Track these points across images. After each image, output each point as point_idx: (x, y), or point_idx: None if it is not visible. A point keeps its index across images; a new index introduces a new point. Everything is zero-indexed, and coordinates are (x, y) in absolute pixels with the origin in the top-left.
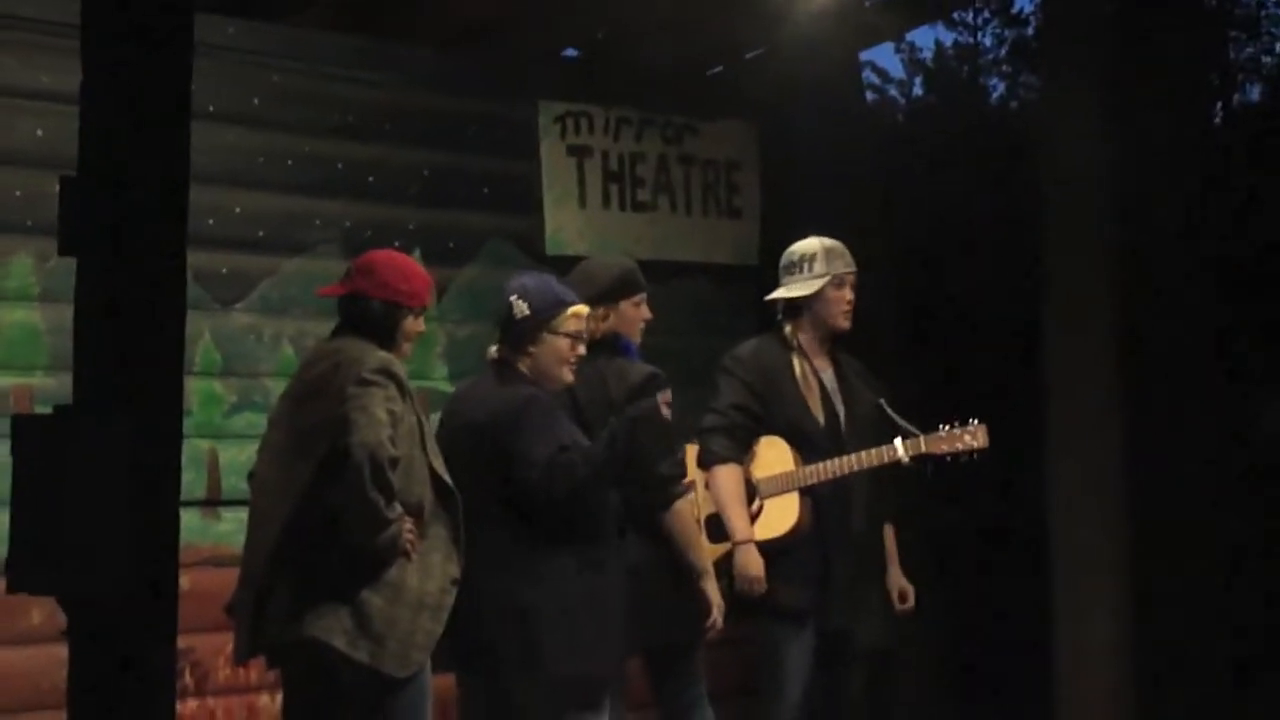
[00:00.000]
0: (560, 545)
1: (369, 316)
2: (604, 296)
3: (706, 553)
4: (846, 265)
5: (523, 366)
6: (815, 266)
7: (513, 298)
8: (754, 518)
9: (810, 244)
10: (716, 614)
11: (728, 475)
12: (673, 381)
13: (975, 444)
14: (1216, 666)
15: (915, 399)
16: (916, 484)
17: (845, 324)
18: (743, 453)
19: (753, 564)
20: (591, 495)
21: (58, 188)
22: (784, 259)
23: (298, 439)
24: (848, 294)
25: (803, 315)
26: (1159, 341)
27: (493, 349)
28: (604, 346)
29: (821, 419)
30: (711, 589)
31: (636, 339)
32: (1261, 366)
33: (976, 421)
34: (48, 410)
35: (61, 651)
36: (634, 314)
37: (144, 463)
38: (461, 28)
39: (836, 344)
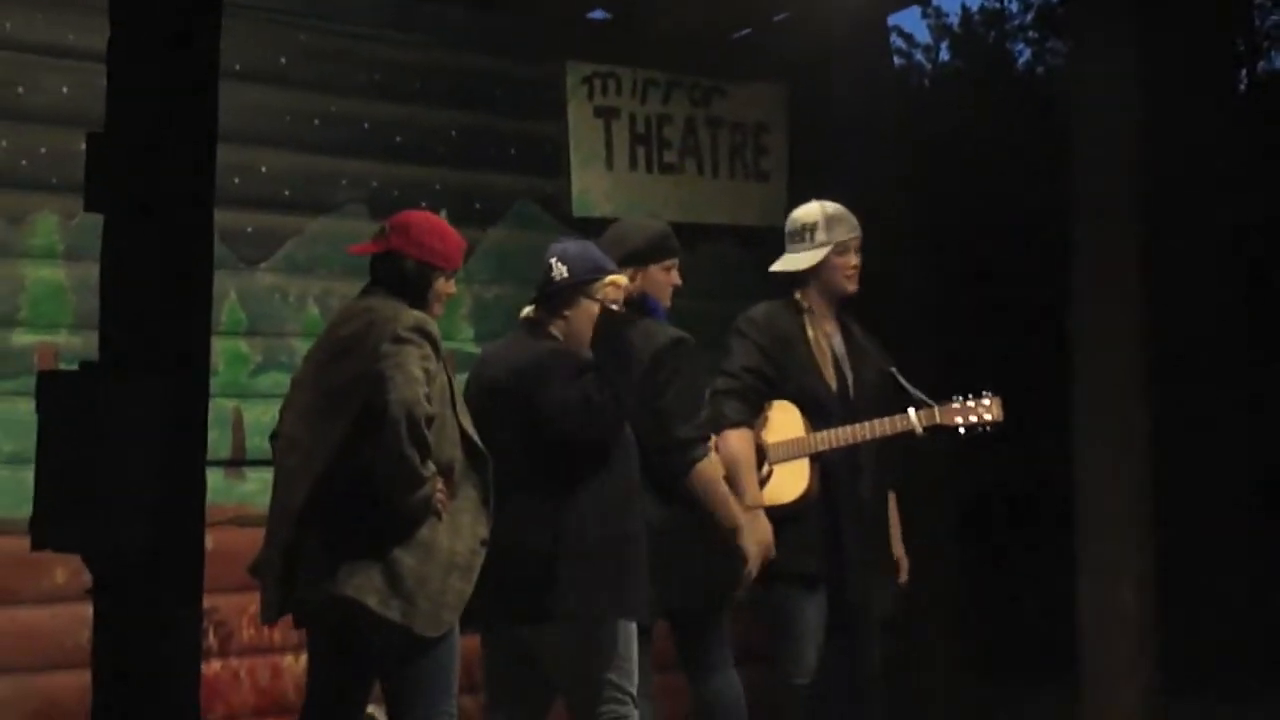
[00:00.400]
0: (586, 497)
1: (403, 275)
2: (634, 258)
3: (737, 509)
4: (850, 230)
5: (555, 329)
6: (817, 235)
7: (553, 260)
8: (763, 483)
9: (811, 211)
10: (753, 565)
11: (739, 439)
12: (698, 344)
13: (989, 417)
14: (1241, 637)
15: (940, 363)
16: (942, 454)
17: (852, 288)
18: (754, 416)
19: (762, 529)
20: (617, 445)
21: (84, 145)
22: (788, 225)
23: (328, 398)
24: (852, 259)
25: (809, 282)
26: (1187, 308)
27: (527, 309)
28: (631, 307)
29: (833, 385)
30: (748, 542)
31: (665, 302)
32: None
33: (991, 394)
34: (73, 368)
35: (85, 610)
36: (664, 278)
37: (170, 421)
38: None
39: (844, 308)
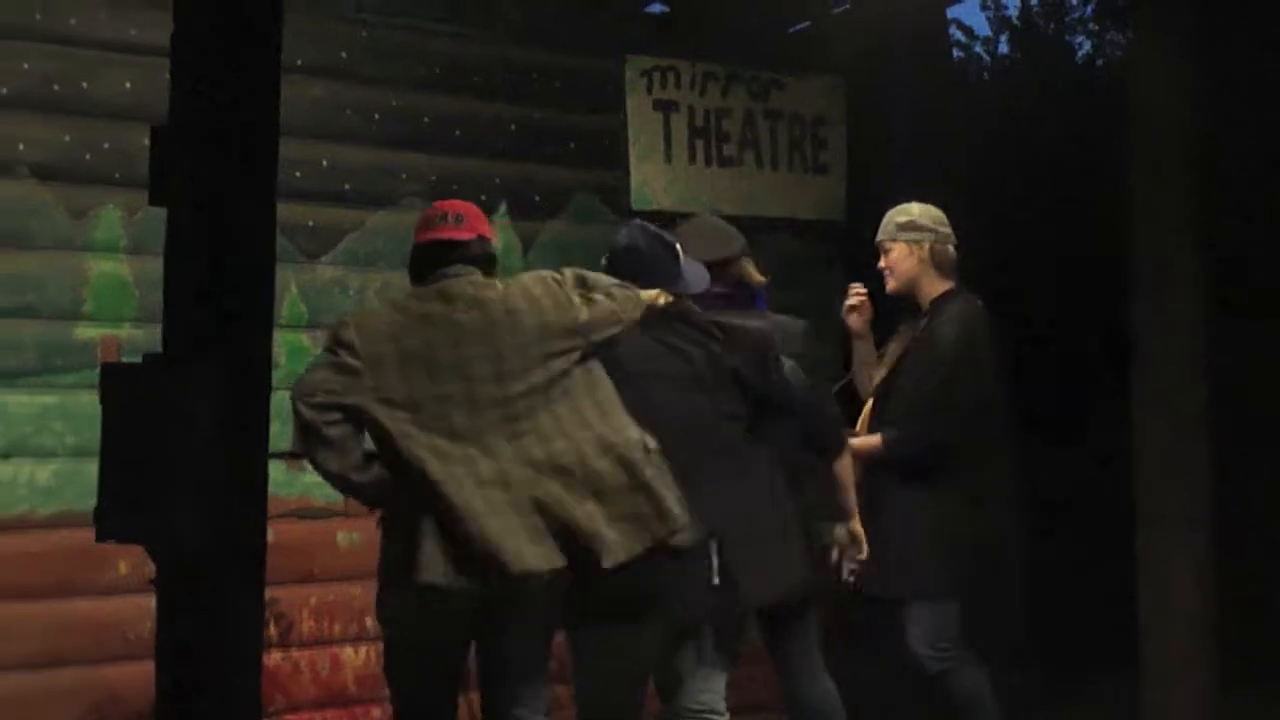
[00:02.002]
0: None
1: (492, 258)
2: (741, 250)
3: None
4: (879, 234)
5: None
6: None
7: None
8: None
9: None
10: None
11: None
12: None
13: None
14: None
15: (1000, 358)
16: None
17: (888, 289)
18: None
19: None
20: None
21: (147, 140)
22: None
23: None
24: (881, 260)
25: None
26: (1247, 302)
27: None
28: (737, 299)
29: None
30: (859, 529)
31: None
32: None
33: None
34: (136, 360)
35: (148, 602)
36: (752, 270)
37: (232, 413)
38: None
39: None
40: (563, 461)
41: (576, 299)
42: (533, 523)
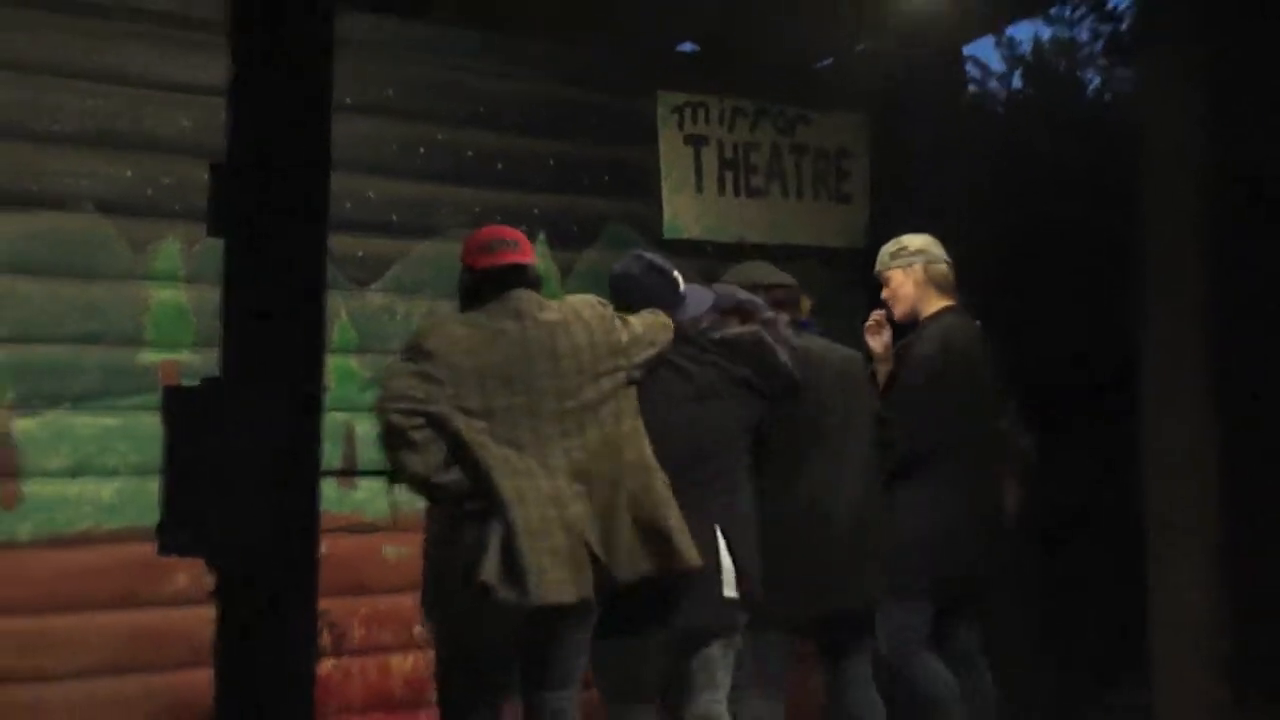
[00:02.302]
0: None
1: (541, 280)
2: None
3: None
4: (876, 267)
5: None
6: None
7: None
8: None
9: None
10: None
11: None
12: None
13: None
14: None
15: (1012, 380)
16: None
17: (895, 316)
18: None
19: None
20: None
21: (206, 175)
22: None
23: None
24: (883, 293)
25: None
26: (1251, 325)
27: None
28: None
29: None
30: None
31: None
32: None
33: None
34: (195, 383)
35: (207, 612)
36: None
37: (286, 433)
38: (590, 22)
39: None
40: (606, 480)
41: (619, 323)
42: (572, 545)
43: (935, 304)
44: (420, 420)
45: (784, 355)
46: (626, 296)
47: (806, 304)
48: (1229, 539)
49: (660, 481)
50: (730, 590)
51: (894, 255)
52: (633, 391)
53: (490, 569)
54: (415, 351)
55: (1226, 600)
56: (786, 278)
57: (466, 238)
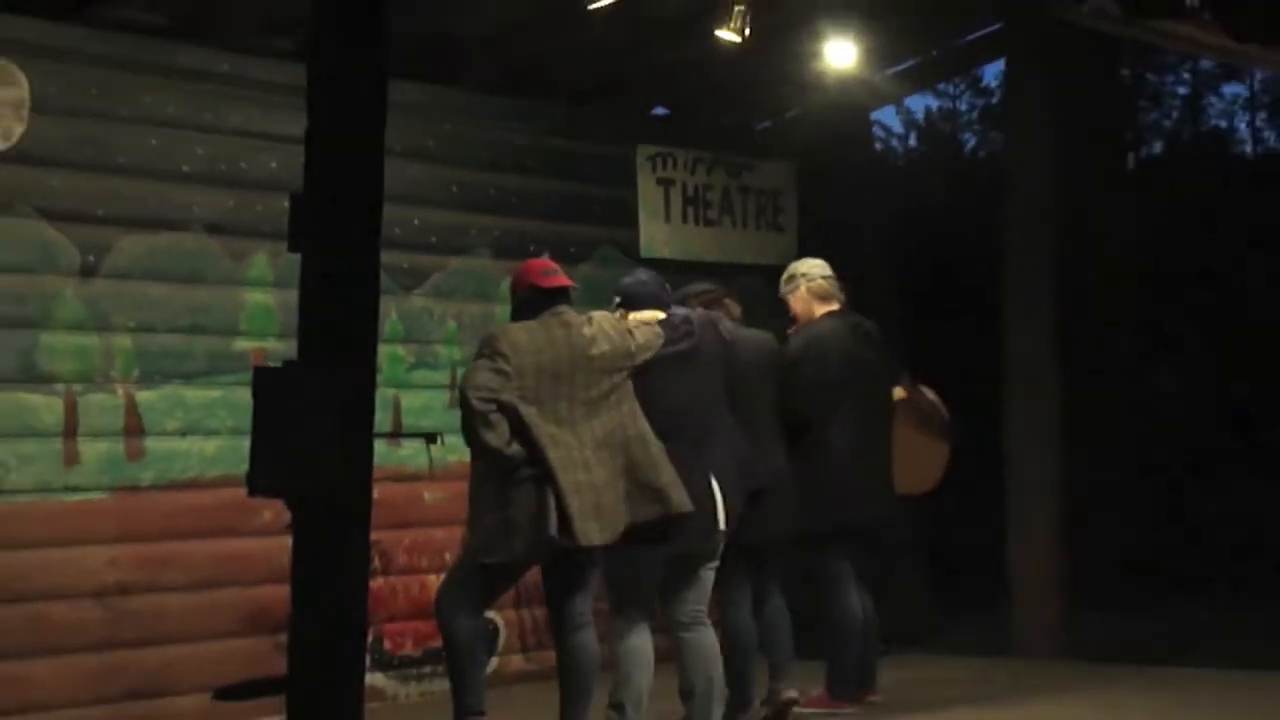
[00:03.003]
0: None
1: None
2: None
3: None
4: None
5: None
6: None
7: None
8: None
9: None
10: None
11: None
12: None
13: None
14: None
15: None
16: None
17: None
18: None
19: None
20: None
21: (287, 203)
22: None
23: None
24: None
25: None
26: (1091, 322)
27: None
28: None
29: None
30: None
31: None
32: (1163, 344)
33: None
34: (279, 364)
35: (285, 541)
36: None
37: (348, 403)
38: (585, 89)
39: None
40: (615, 448)
41: (630, 334)
42: (598, 500)
43: (819, 310)
44: (494, 405)
45: (725, 331)
46: (636, 297)
47: (735, 307)
48: (1068, 487)
49: (656, 448)
50: (722, 524)
51: (785, 282)
52: (630, 383)
53: (552, 523)
54: (492, 351)
55: (1065, 536)
56: (711, 286)
57: (523, 266)
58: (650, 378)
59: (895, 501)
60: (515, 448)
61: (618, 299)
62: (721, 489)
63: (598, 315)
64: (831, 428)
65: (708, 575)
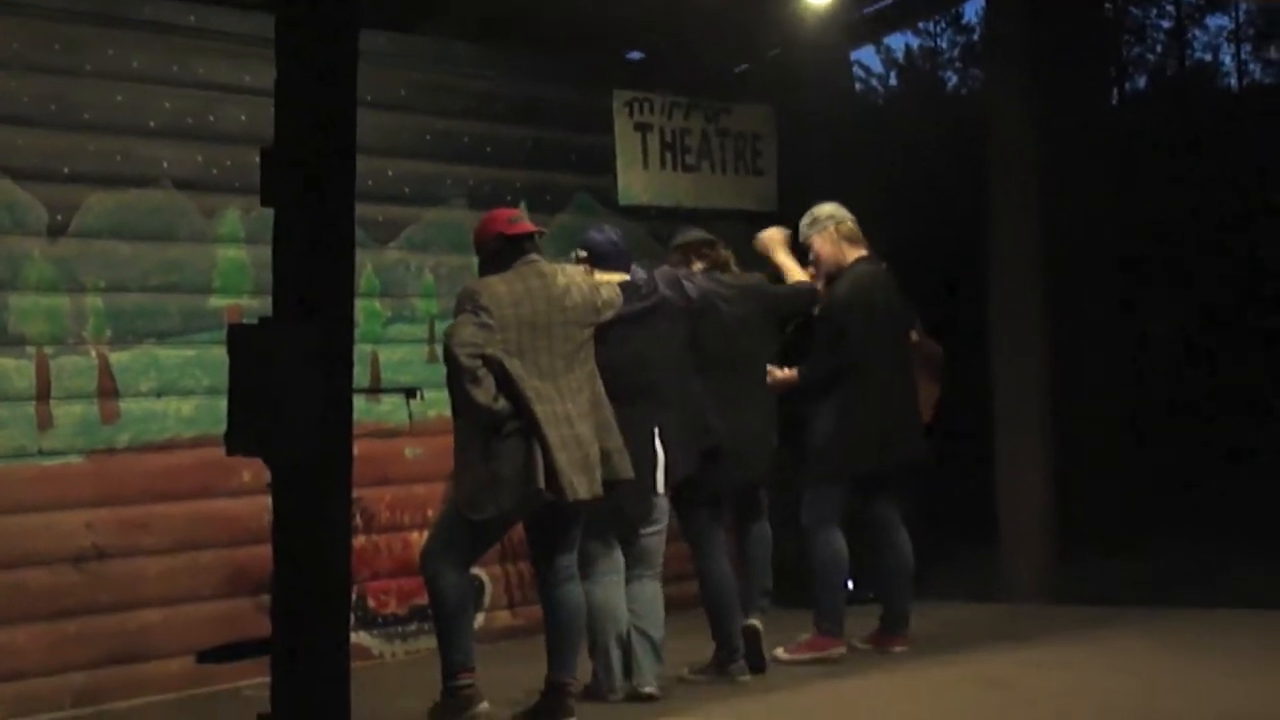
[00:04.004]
0: None
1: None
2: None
3: None
4: (799, 238)
5: None
6: None
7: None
8: None
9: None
10: None
11: None
12: None
13: None
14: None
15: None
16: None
17: (823, 274)
18: None
19: None
20: None
21: (258, 158)
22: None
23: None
24: (810, 255)
25: None
26: (1077, 270)
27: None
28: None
29: None
30: None
31: None
32: (1154, 293)
33: None
34: (254, 321)
35: (265, 500)
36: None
37: (325, 359)
38: (559, 35)
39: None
40: (586, 410)
41: (598, 291)
42: (584, 455)
43: (851, 255)
44: (480, 361)
45: (690, 288)
46: (606, 255)
47: (726, 255)
48: (1057, 432)
49: (608, 412)
50: (660, 488)
51: (810, 225)
52: (593, 342)
53: (540, 477)
54: (475, 305)
55: (1054, 478)
56: (702, 235)
57: (486, 217)
58: (609, 338)
59: (923, 442)
60: (502, 403)
61: (584, 253)
62: (666, 452)
63: (569, 268)
64: (876, 373)
65: (651, 541)
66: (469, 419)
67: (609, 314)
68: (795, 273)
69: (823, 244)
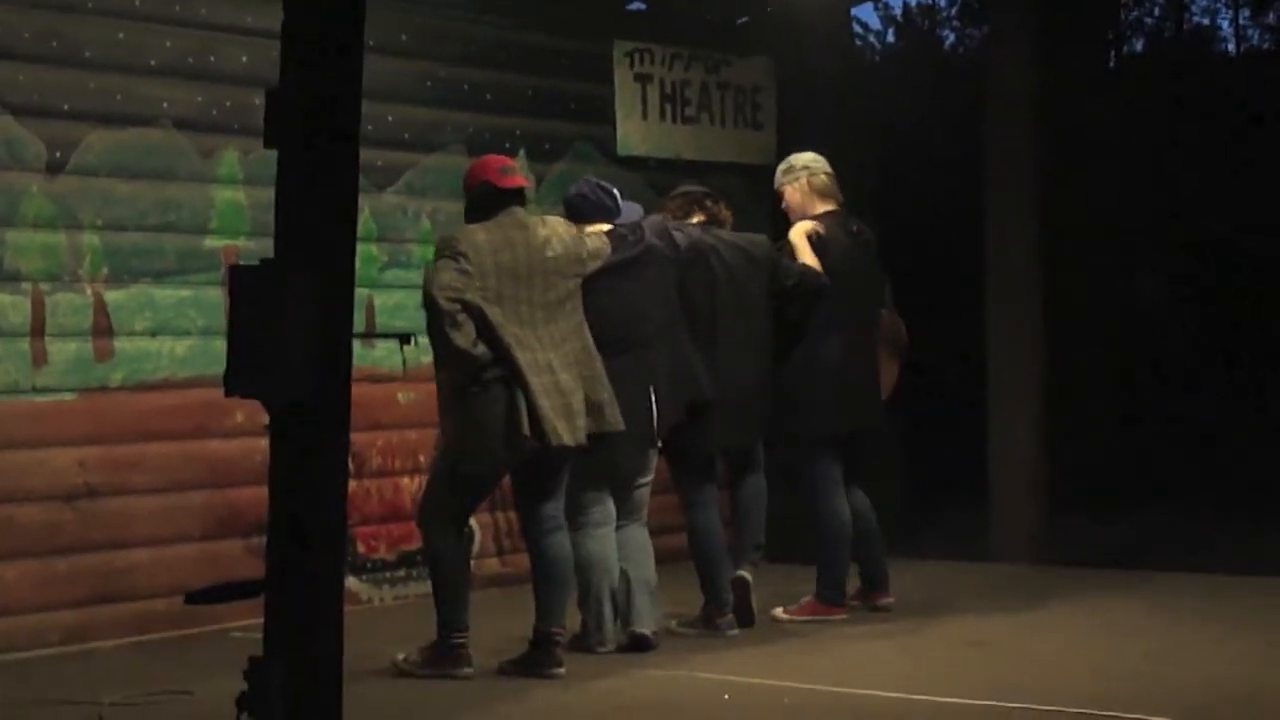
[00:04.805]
0: None
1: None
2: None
3: None
4: (775, 184)
5: None
6: None
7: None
8: None
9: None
10: None
11: None
12: None
13: None
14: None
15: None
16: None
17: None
18: None
19: None
20: None
21: (258, 100)
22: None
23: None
24: (782, 203)
25: None
26: (1071, 223)
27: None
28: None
29: None
30: None
31: None
32: (1144, 249)
33: None
34: (253, 263)
35: (257, 443)
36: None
37: (324, 302)
38: None
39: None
40: (570, 359)
41: (582, 241)
42: (567, 404)
43: (820, 208)
44: (459, 305)
45: (679, 238)
46: (580, 210)
47: (727, 214)
48: (1048, 396)
49: (599, 364)
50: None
51: (784, 172)
52: (580, 292)
53: (526, 425)
54: (454, 251)
55: (1047, 444)
56: (698, 188)
57: (477, 163)
58: (596, 288)
59: (882, 410)
60: (482, 348)
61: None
62: (658, 402)
63: (551, 219)
64: (829, 334)
65: (641, 492)
66: (450, 369)
67: (596, 264)
68: (807, 258)
69: (793, 193)
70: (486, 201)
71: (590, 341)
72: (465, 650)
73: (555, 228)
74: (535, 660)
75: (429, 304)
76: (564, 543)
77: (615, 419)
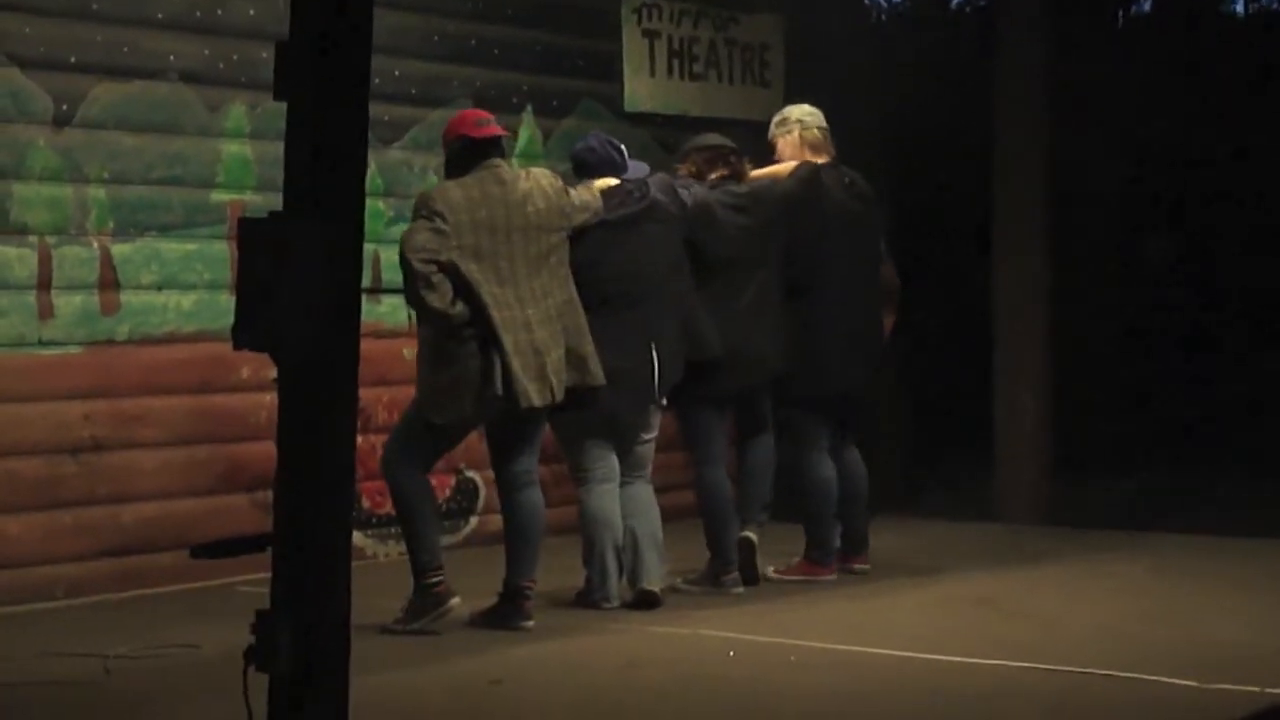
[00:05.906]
0: None
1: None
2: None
3: None
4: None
5: None
6: None
7: None
8: None
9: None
10: None
11: None
12: None
13: None
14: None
15: (894, 226)
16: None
17: None
18: None
19: None
20: None
21: (266, 53)
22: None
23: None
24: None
25: None
26: (1079, 185)
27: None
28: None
29: None
30: None
31: None
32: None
33: None
34: (262, 216)
35: (263, 397)
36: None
37: (333, 256)
38: None
39: None
40: (552, 314)
41: (567, 193)
42: (540, 363)
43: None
44: (434, 266)
45: (685, 195)
46: (587, 165)
47: (746, 169)
48: (1054, 361)
49: (582, 317)
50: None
51: (778, 124)
52: (567, 245)
53: (499, 383)
54: (429, 211)
55: (1050, 402)
56: (720, 142)
57: (454, 118)
58: (592, 242)
59: (878, 365)
60: (460, 308)
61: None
62: (659, 359)
63: (535, 171)
64: (822, 291)
65: (645, 448)
66: (429, 326)
67: (583, 217)
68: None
69: (785, 146)
70: (464, 155)
71: (574, 294)
72: (443, 586)
73: (538, 180)
74: (504, 613)
75: (403, 265)
76: (536, 498)
77: (597, 373)
